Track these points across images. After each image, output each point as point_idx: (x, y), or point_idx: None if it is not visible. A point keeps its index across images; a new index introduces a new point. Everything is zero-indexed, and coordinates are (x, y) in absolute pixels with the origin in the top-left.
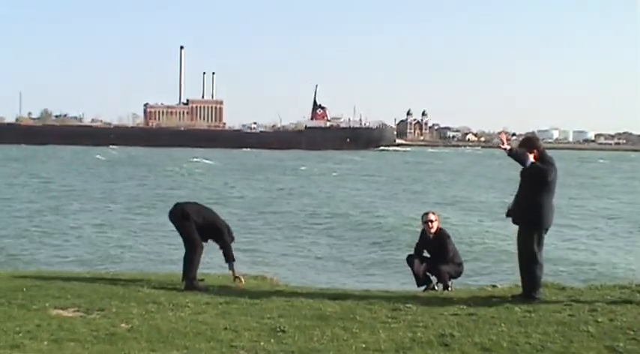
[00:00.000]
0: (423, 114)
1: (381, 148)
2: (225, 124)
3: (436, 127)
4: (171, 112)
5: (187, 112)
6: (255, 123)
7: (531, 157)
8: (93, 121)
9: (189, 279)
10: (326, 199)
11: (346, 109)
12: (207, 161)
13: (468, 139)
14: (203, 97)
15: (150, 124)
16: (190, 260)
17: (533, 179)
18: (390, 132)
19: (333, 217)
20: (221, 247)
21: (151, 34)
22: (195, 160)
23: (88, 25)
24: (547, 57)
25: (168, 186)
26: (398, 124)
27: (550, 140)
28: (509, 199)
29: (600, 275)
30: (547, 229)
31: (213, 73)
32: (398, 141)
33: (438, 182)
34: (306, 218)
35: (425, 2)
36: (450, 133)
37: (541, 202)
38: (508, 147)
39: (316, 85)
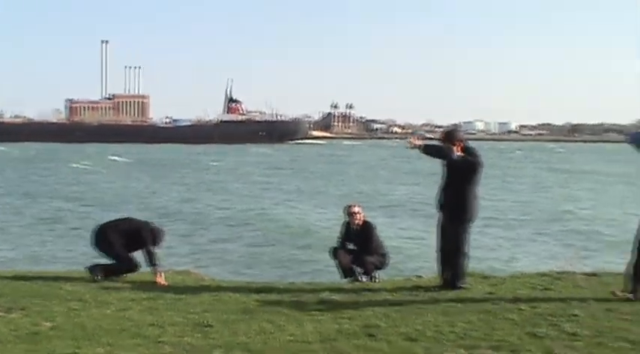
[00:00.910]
0: (349, 107)
1: (297, 141)
2: (151, 118)
3: (362, 120)
4: (95, 108)
5: (112, 107)
6: (168, 118)
7: (456, 150)
8: (16, 117)
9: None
10: (237, 196)
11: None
12: (115, 158)
13: (394, 132)
14: (128, 92)
15: (73, 119)
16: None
17: (462, 172)
18: (305, 125)
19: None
20: (146, 253)
21: (75, 28)
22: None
23: (7, 18)
24: (470, 48)
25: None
26: (324, 117)
27: (474, 132)
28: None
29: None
30: (473, 220)
31: (139, 68)
32: (318, 134)
33: (344, 176)
34: (221, 216)
35: None
36: (376, 126)
37: (468, 194)
38: (418, 144)
39: (230, 79)
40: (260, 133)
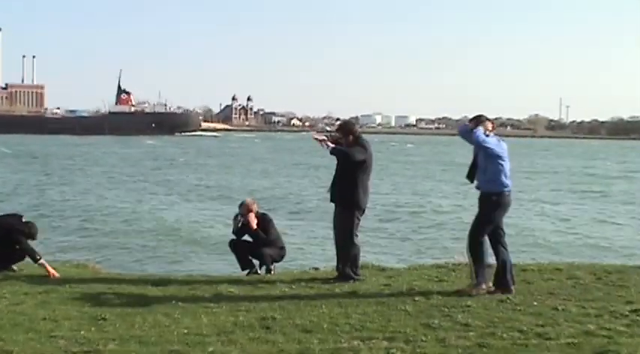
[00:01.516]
0: (249, 99)
1: (187, 133)
2: (47, 109)
3: (261, 113)
4: None
5: (6, 97)
6: (58, 108)
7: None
8: None
9: None
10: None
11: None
12: None
13: (293, 124)
14: (23, 81)
15: None
16: None
17: (340, 162)
18: (196, 117)
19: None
20: (24, 252)
21: None
22: None
23: None
24: (368, 41)
25: None
26: (223, 109)
27: (373, 125)
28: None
29: None
30: (364, 210)
31: (34, 57)
32: (210, 126)
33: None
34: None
35: None
36: (275, 118)
37: (356, 183)
38: (326, 144)
39: (120, 70)
40: (152, 125)
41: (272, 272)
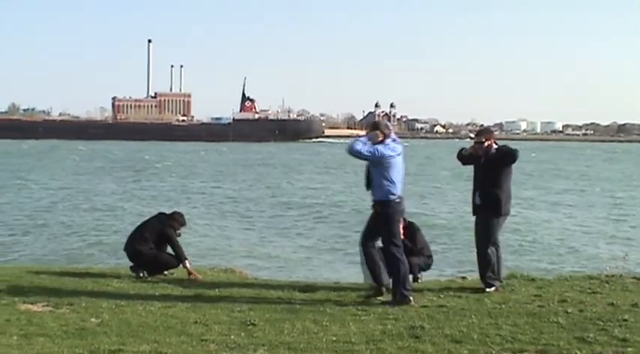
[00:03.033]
0: (392, 106)
1: (310, 140)
2: (193, 117)
3: (404, 119)
4: (140, 106)
5: (156, 106)
6: (185, 116)
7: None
8: (61, 115)
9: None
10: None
11: (311, 104)
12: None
13: (436, 131)
14: (171, 90)
15: (118, 117)
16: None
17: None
18: (318, 124)
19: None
20: (174, 248)
21: (120, 27)
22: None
23: (56, 18)
24: (517, 47)
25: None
26: (366, 116)
27: (517, 131)
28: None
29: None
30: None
31: (182, 66)
32: (333, 132)
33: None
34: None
35: None
36: (419, 125)
37: (503, 188)
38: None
39: (244, 78)
40: (275, 132)
41: (419, 281)
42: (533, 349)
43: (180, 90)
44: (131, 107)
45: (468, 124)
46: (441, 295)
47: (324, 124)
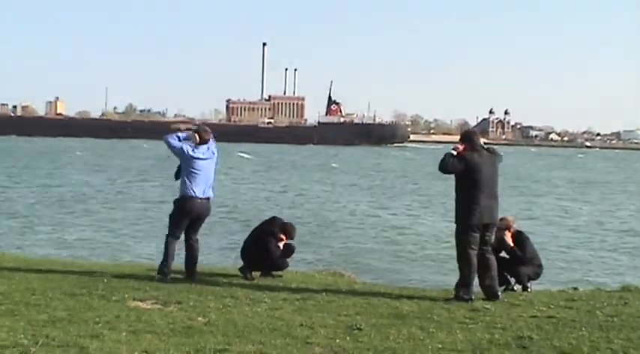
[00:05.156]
0: (506, 113)
1: (394, 145)
2: (306, 120)
3: (518, 126)
4: (253, 108)
5: (269, 108)
6: (271, 118)
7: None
8: (176, 116)
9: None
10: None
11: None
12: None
13: (551, 139)
14: (285, 93)
15: (232, 119)
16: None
17: None
18: (404, 129)
19: None
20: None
21: (234, 30)
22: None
23: (172, 22)
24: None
25: None
26: (480, 123)
27: (636, 141)
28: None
29: None
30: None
31: (295, 70)
32: (418, 138)
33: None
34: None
35: None
36: (533, 133)
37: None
38: None
39: (331, 81)
40: (360, 136)
41: (529, 290)
42: None
43: (294, 93)
44: (245, 110)
45: (584, 133)
46: (551, 306)
47: (424, 130)
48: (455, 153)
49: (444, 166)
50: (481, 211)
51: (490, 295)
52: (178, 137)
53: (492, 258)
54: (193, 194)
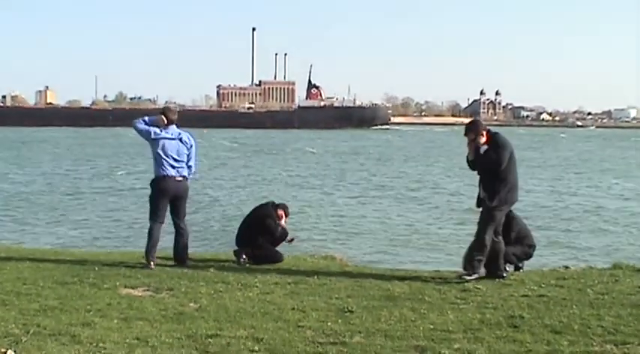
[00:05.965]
0: (497, 93)
1: (375, 127)
2: (297, 105)
3: (510, 107)
4: (244, 94)
5: (260, 93)
6: (252, 103)
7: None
8: (166, 102)
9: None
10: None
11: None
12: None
13: (543, 119)
14: (275, 78)
15: (223, 105)
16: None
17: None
18: (384, 111)
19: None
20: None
21: (223, 16)
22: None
23: (162, 8)
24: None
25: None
26: (471, 104)
27: (627, 119)
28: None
29: None
30: None
31: (285, 55)
32: (400, 120)
33: None
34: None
35: None
36: (524, 113)
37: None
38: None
39: (310, 65)
40: (339, 120)
41: (521, 270)
42: (637, 342)
43: (285, 78)
44: (236, 95)
45: (575, 112)
46: (542, 285)
47: (418, 112)
48: (483, 148)
49: (501, 163)
50: (517, 190)
51: (496, 276)
52: (145, 121)
53: (502, 242)
54: (167, 173)
